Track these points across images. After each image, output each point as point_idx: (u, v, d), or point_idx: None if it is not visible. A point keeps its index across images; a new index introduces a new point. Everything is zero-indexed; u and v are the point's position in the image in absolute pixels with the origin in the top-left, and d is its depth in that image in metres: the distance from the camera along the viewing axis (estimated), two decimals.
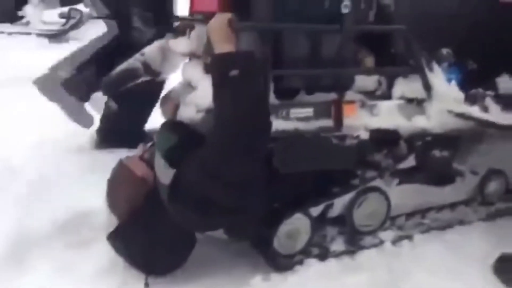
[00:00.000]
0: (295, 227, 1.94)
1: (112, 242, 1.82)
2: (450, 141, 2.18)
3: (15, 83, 4.60)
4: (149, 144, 1.99)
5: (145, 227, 1.77)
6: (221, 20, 1.72)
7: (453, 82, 2.11)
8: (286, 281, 1.85)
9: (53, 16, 6.71)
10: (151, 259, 1.79)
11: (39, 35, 6.28)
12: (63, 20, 6.54)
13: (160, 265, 1.82)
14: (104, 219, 2.02)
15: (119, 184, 1.87)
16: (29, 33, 6.36)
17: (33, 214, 2.17)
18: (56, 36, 6.35)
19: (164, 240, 1.78)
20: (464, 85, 2.13)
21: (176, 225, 1.73)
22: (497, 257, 1.96)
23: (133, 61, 1.88)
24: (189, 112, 1.92)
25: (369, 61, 2.02)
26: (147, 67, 1.85)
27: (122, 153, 2.65)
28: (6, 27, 6.67)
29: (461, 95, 2.09)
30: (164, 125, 1.94)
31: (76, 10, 6.47)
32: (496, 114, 2.13)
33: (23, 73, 4.74)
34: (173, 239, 1.79)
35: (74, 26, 6.38)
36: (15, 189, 2.38)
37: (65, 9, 6.72)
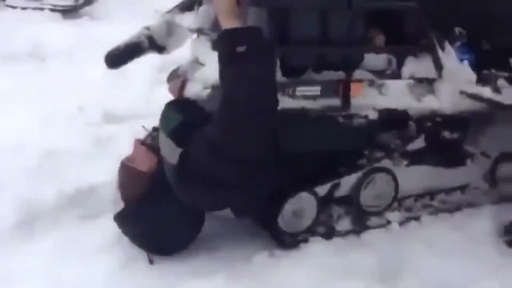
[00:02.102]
0: (301, 206, 1.93)
1: (119, 223, 1.83)
2: (461, 122, 2.14)
3: (29, 58, 4.65)
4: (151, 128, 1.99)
5: (152, 207, 1.78)
6: None
7: (466, 62, 2.06)
8: (290, 258, 1.86)
9: None
10: (158, 239, 1.80)
11: (52, 10, 6.28)
12: None
13: (167, 245, 1.84)
14: (112, 193, 2.04)
15: (129, 185, 1.89)
16: (42, 8, 6.36)
17: (41, 186, 2.19)
18: (69, 12, 6.35)
19: (171, 220, 1.79)
20: (476, 66, 2.08)
21: (183, 205, 1.73)
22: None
23: (138, 35, 1.86)
24: (196, 89, 1.91)
25: (379, 39, 1.97)
26: (152, 41, 1.82)
27: (130, 129, 2.69)
28: (19, 2, 6.67)
29: (473, 75, 2.04)
30: (168, 105, 1.93)
31: None
32: (509, 96, 2.09)
33: (36, 47, 4.80)
34: (180, 219, 1.80)
35: (87, 2, 6.37)
36: (24, 162, 2.40)
37: None
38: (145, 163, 1.86)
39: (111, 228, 1.89)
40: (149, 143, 1.92)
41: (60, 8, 6.36)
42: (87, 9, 6.49)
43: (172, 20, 1.95)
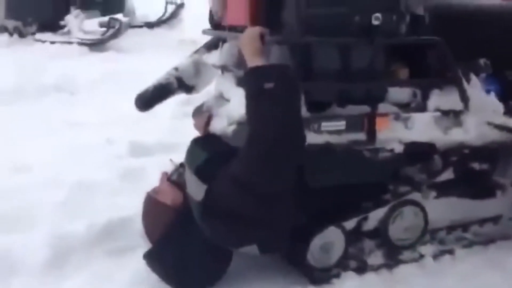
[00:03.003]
0: (329, 241, 1.92)
1: (148, 261, 1.84)
2: (490, 153, 2.11)
3: (57, 91, 4.77)
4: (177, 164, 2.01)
5: (179, 245, 1.79)
6: (252, 33, 1.73)
7: (492, 94, 2.04)
8: None
9: (93, 25, 6.91)
10: (185, 277, 1.80)
11: (80, 43, 6.46)
12: (103, 29, 6.72)
13: (194, 283, 1.83)
14: (141, 227, 2.05)
15: (152, 217, 1.91)
16: (70, 42, 6.55)
17: (72, 220, 2.22)
18: (96, 45, 6.52)
19: (197, 257, 1.79)
20: (503, 96, 2.07)
21: (210, 242, 1.74)
22: None
23: (167, 76, 1.90)
24: (221, 125, 1.93)
25: (403, 72, 1.97)
26: (180, 81, 1.86)
27: (157, 161, 2.72)
28: (48, 36, 6.89)
29: (500, 106, 2.03)
30: (194, 141, 1.96)
31: (116, 19, 6.64)
32: None
33: (65, 81, 4.93)
34: (207, 257, 1.80)
35: (114, 35, 6.54)
36: (54, 196, 2.45)
37: (105, 18, 6.91)
38: (170, 196, 1.89)
39: (141, 263, 1.90)
40: (175, 180, 1.94)
41: (88, 42, 6.53)
42: (113, 42, 6.65)
43: (200, 59, 2.00)
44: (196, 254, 1.79)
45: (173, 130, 3.44)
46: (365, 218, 1.99)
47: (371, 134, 1.85)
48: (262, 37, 1.72)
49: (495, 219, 2.24)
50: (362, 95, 1.89)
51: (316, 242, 1.89)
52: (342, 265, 1.95)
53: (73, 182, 2.60)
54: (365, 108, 1.88)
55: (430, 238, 2.11)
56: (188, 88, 1.89)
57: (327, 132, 1.82)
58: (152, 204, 1.93)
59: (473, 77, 2.00)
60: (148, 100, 1.84)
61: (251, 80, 1.65)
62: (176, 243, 1.79)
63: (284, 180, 1.64)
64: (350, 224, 1.96)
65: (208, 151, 1.82)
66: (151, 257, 1.83)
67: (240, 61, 1.92)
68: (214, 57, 2.09)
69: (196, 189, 1.73)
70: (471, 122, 1.96)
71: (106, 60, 5.83)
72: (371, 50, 1.83)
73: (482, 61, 2.05)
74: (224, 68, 2.10)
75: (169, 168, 2.08)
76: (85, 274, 1.95)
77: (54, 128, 3.67)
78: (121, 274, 1.93)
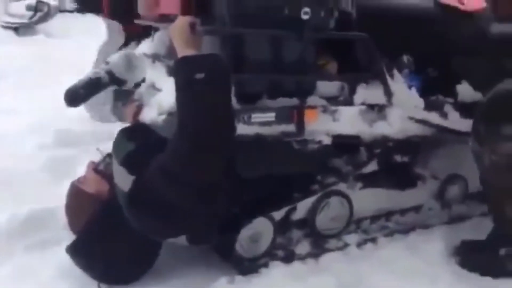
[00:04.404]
0: (258, 231, 1.94)
1: (71, 254, 1.79)
2: (411, 146, 2.21)
3: None
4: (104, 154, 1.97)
5: (104, 237, 1.76)
6: (182, 23, 1.71)
7: (414, 89, 2.13)
8: (250, 283, 1.86)
9: (19, 9, 6.56)
10: (111, 270, 1.77)
11: (5, 27, 6.14)
12: (31, 13, 6.41)
13: (121, 276, 1.80)
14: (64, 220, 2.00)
15: (75, 207, 1.86)
16: None
17: None
18: (23, 29, 6.22)
19: (124, 249, 1.77)
20: (424, 92, 2.16)
21: (137, 234, 1.71)
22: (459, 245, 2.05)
23: (97, 70, 1.84)
24: (152, 115, 1.90)
25: (332, 66, 2.03)
26: (112, 75, 1.81)
27: (84, 153, 2.65)
28: None
29: (421, 101, 2.12)
30: (121, 131, 1.92)
31: (44, 2, 6.35)
32: (454, 121, 2.18)
33: None
34: (134, 249, 1.77)
35: (42, 19, 6.25)
36: None
37: (33, 1, 6.58)
38: (94, 186, 1.85)
39: (65, 256, 1.84)
40: (102, 169, 1.90)
41: (14, 26, 6.21)
42: (42, 26, 6.37)
43: (131, 52, 1.95)
44: (122, 246, 1.76)
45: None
46: (294, 208, 2.03)
47: (300, 126, 1.89)
48: (192, 26, 1.71)
49: (416, 209, 2.35)
50: (291, 88, 1.92)
51: (245, 233, 1.91)
52: (270, 254, 1.98)
53: None
54: (294, 101, 1.91)
55: (355, 227, 2.19)
56: (120, 82, 1.85)
57: (257, 124, 1.84)
58: (76, 193, 1.88)
59: (396, 72, 2.08)
60: (78, 95, 1.78)
61: (181, 70, 1.63)
62: (101, 234, 1.76)
63: (213, 171, 1.65)
64: (279, 214, 2.00)
65: (135, 142, 1.79)
66: (74, 250, 1.78)
67: (171, 51, 1.89)
68: (144, 46, 2.06)
69: (123, 180, 1.70)
70: (394, 116, 2.04)
71: (35, 44, 5.58)
72: (300, 44, 1.86)
73: (405, 57, 2.14)
74: (155, 57, 2.07)
75: (96, 157, 2.03)
76: (6, 269, 1.89)
77: None
78: (44, 268, 1.87)
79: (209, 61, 1.64)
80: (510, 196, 1.92)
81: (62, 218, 2.01)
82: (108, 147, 2.01)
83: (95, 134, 3.07)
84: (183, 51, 1.66)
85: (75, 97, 1.78)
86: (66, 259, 1.82)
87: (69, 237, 1.87)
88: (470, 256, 2.02)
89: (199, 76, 1.57)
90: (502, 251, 1.99)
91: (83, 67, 2.35)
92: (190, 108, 1.60)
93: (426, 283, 1.91)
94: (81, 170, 2.05)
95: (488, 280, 1.96)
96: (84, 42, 5.23)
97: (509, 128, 1.86)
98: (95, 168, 1.91)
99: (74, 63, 4.04)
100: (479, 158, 1.96)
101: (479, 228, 2.21)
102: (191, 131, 1.59)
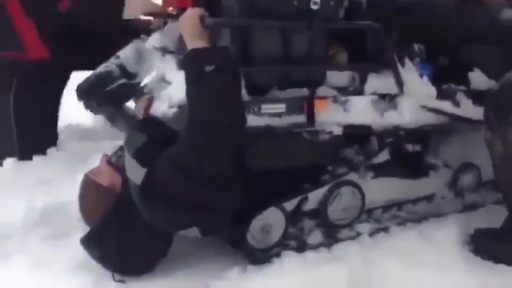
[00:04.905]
0: (270, 222, 1.95)
1: (86, 246, 1.82)
2: (423, 135, 2.20)
3: None
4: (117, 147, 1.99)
5: (117, 229, 1.77)
6: (192, 15, 1.72)
7: (425, 78, 2.12)
8: (262, 273, 1.86)
9: None
10: (124, 261, 1.78)
11: None
12: None
13: (134, 266, 1.82)
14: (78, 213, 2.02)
15: (88, 198, 1.88)
16: None
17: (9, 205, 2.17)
18: None
19: (137, 241, 1.78)
20: (436, 81, 2.15)
21: (149, 226, 1.73)
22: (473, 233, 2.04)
23: (108, 64, 1.86)
24: (162, 108, 1.92)
25: (342, 56, 2.02)
26: (123, 69, 1.82)
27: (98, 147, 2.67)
28: None
29: (433, 90, 2.10)
30: (133, 124, 1.94)
31: None
32: (467, 109, 2.16)
33: None
34: (147, 240, 1.79)
35: None
36: None
37: None
38: (107, 178, 1.87)
39: (78, 248, 1.87)
40: (115, 162, 1.92)
41: None
42: None
43: (142, 45, 1.96)
44: (135, 237, 1.78)
45: None
46: (305, 199, 2.04)
47: (311, 116, 1.89)
48: (202, 19, 1.71)
49: (428, 198, 2.35)
50: (301, 79, 1.92)
51: (257, 223, 1.92)
52: (282, 245, 1.99)
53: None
54: (304, 91, 1.91)
55: (366, 217, 2.19)
56: (131, 75, 1.86)
57: (267, 115, 1.84)
58: (89, 184, 1.90)
59: (407, 61, 2.07)
60: (90, 89, 1.80)
61: (191, 62, 1.65)
62: (115, 226, 1.77)
63: (224, 162, 1.66)
64: (290, 205, 2.01)
65: (147, 134, 1.80)
66: (88, 241, 1.80)
67: (181, 44, 1.90)
68: (154, 39, 2.06)
69: (135, 173, 1.71)
70: (406, 105, 2.03)
71: None
72: (310, 34, 1.85)
73: (416, 46, 2.12)
74: (164, 50, 2.08)
75: (110, 150, 2.05)
76: (21, 261, 1.91)
77: None
78: (59, 259, 1.89)
79: (219, 53, 1.66)
80: None
81: (76, 211, 2.05)
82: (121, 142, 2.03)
83: (108, 129, 3.09)
84: (192, 43, 1.68)
85: (86, 91, 1.79)
86: (80, 251, 1.84)
87: (83, 229, 1.90)
88: (484, 244, 2.01)
89: (209, 68, 1.58)
90: None
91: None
92: (201, 101, 1.61)
93: (439, 271, 1.90)
94: (95, 164, 2.07)
95: (502, 268, 1.95)
96: None
97: None
98: (108, 160, 1.93)
99: None
100: (491, 146, 1.94)
101: (492, 216, 2.20)
102: (202, 123, 1.60)
